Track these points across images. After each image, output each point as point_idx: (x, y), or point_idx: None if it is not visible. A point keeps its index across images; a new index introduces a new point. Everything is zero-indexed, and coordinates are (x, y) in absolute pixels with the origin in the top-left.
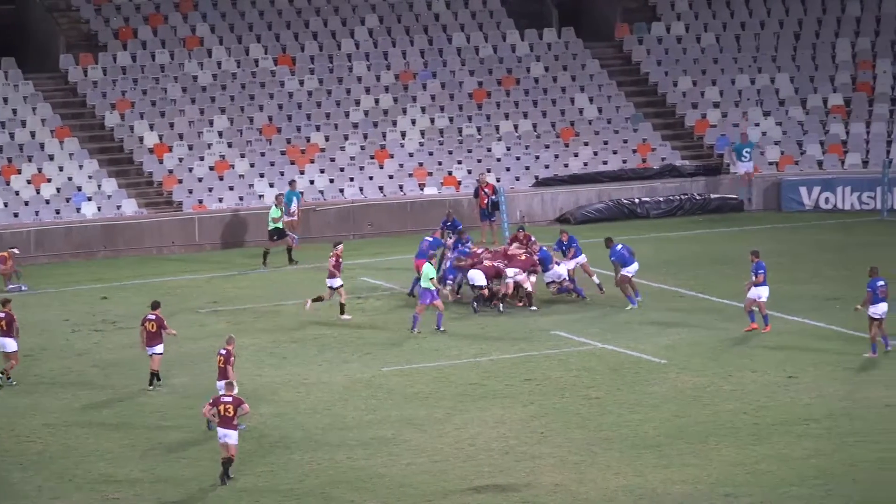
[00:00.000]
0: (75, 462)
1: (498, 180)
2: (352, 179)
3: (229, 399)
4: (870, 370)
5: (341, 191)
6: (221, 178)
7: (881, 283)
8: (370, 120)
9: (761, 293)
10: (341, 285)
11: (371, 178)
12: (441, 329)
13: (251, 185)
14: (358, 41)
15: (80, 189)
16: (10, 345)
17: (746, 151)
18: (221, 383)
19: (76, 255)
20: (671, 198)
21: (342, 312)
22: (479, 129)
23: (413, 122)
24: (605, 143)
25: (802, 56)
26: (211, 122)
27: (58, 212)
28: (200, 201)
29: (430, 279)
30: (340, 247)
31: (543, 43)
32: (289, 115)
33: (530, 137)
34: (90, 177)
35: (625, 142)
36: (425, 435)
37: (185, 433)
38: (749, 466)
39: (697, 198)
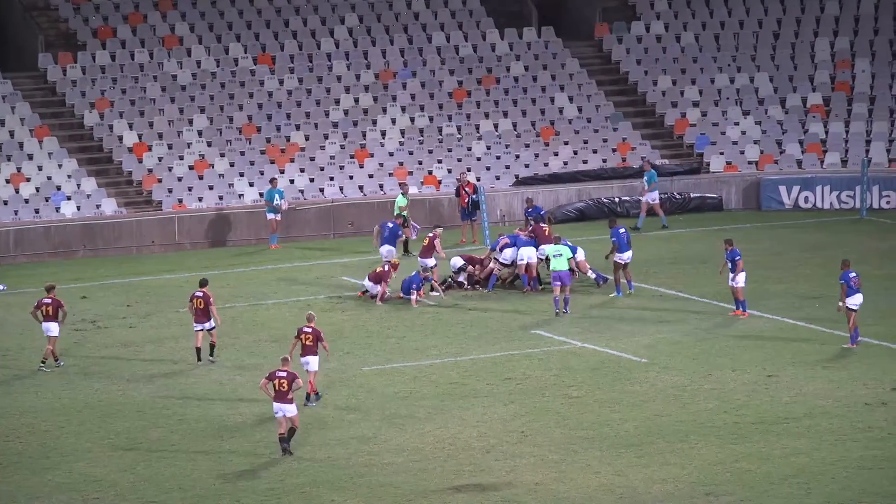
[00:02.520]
0: (55, 462)
1: (478, 179)
2: (332, 179)
3: (283, 374)
4: (850, 369)
5: (321, 190)
6: (201, 178)
7: (853, 274)
8: (350, 119)
9: (738, 279)
10: (436, 265)
11: (351, 177)
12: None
13: (231, 185)
14: (338, 40)
15: (59, 188)
16: (54, 329)
17: (653, 183)
18: (306, 359)
19: (55, 255)
20: None
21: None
22: (459, 129)
23: (393, 121)
24: (585, 142)
25: (782, 55)
26: (190, 122)
27: (37, 211)
28: (180, 200)
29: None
30: (439, 230)
31: (523, 42)
32: (269, 114)
33: (510, 136)
34: (69, 176)
35: (605, 141)
36: (406, 434)
37: (165, 432)
38: (729, 465)
39: (677, 197)
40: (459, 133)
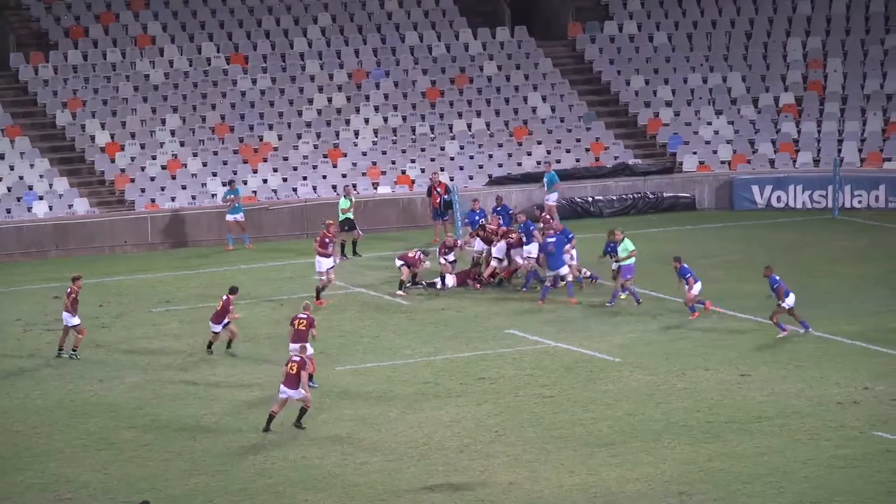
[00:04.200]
0: (27, 462)
1: (451, 179)
2: (305, 178)
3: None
4: (822, 368)
5: (294, 190)
6: (174, 177)
7: (778, 277)
8: (323, 119)
9: (694, 289)
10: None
11: (324, 176)
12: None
13: (204, 185)
14: (311, 40)
15: (31, 188)
16: (72, 319)
17: (555, 184)
18: (296, 346)
19: (27, 255)
20: (624, 196)
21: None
22: (432, 128)
23: (366, 120)
24: (559, 141)
25: (754, 55)
26: (163, 121)
27: (9, 211)
28: (153, 200)
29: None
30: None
31: (496, 42)
32: (241, 113)
33: (483, 136)
34: (41, 176)
35: (578, 140)
36: (379, 434)
37: (137, 433)
38: (702, 464)
39: (650, 196)
40: (433, 132)
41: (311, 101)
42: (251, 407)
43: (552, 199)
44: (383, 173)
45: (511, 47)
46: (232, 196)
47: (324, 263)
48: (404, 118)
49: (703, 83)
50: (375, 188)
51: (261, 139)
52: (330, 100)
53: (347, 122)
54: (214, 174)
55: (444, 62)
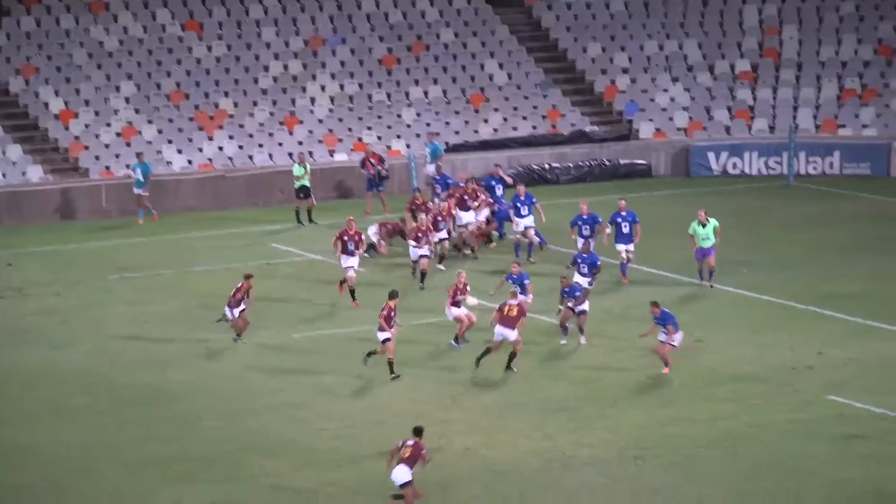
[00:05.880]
0: None
1: (408, 146)
2: (261, 146)
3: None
4: (777, 333)
5: (251, 157)
6: (129, 145)
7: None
8: (279, 86)
9: (677, 340)
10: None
11: (281, 144)
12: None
13: (159, 152)
14: (266, 7)
15: None
16: (232, 312)
17: (439, 154)
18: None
19: None
20: (581, 163)
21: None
22: (389, 96)
23: (323, 88)
24: (515, 109)
25: (710, 22)
26: (118, 88)
27: None
28: (107, 168)
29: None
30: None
31: (453, 9)
32: (197, 81)
33: (440, 103)
34: None
35: (535, 108)
36: (337, 401)
37: (91, 400)
38: (657, 429)
39: (607, 163)
40: (389, 100)
41: (266, 69)
42: (206, 374)
43: (431, 169)
44: (340, 141)
45: (468, 14)
46: (138, 170)
47: (349, 261)
48: (361, 85)
49: (660, 50)
50: (332, 156)
51: (216, 106)
52: (286, 67)
53: (303, 89)
54: (170, 141)
55: (400, 29)
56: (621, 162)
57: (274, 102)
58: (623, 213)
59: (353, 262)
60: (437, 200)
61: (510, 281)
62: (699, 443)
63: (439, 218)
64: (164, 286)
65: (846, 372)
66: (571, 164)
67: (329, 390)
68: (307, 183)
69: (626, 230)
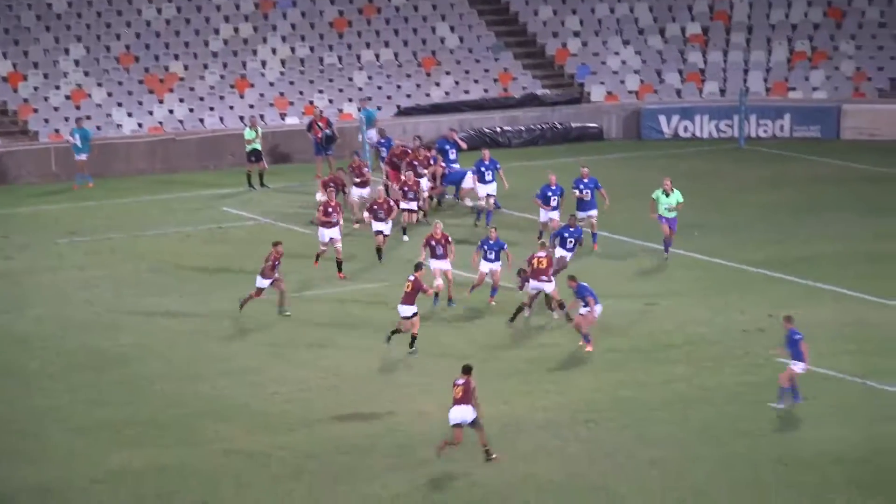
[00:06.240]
0: None
1: (359, 110)
2: (212, 109)
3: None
4: (728, 296)
5: (201, 120)
6: (78, 108)
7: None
8: (230, 49)
9: (597, 312)
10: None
11: (231, 107)
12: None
13: (109, 115)
14: None
15: None
16: (263, 282)
17: (373, 120)
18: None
19: None
20: (532, 127)
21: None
22: (340, 59)
23: (273, 51)
24: (467, 72)
25: None
26: (67, 51)
27: None
28: (57, 131)
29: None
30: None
31: None
32: (146, 43)
33: (392, 66)
34: None
35: (486, 71)
36: (290, 365)
37: (42, 364)
38: (609, 392)
39: (558, 127)
40: (340, 63)
41: (217, 31)
42: (158, 338)
43: (371, 136)
44: (291, 104)
45: None
46: (76, 135)
47: (326, 234)
48: (312, 48)
49: (611, 13)
50: (283, 119)
51: (166, 69)
52: (236, 29)
53: (254, 52)
54: (120, 104)
55: None
56: (573, 125)
57: (224, 65)
58: (585, 181)
59: (331, 233)
60: (382, 165)
61: (485, 248)
62: (651, 406)
63: (405, 189)
64: (115, 250)
65: None
66: (523, 128)
67: (281, 354)
68: (259, 146)
69: (588, 197)
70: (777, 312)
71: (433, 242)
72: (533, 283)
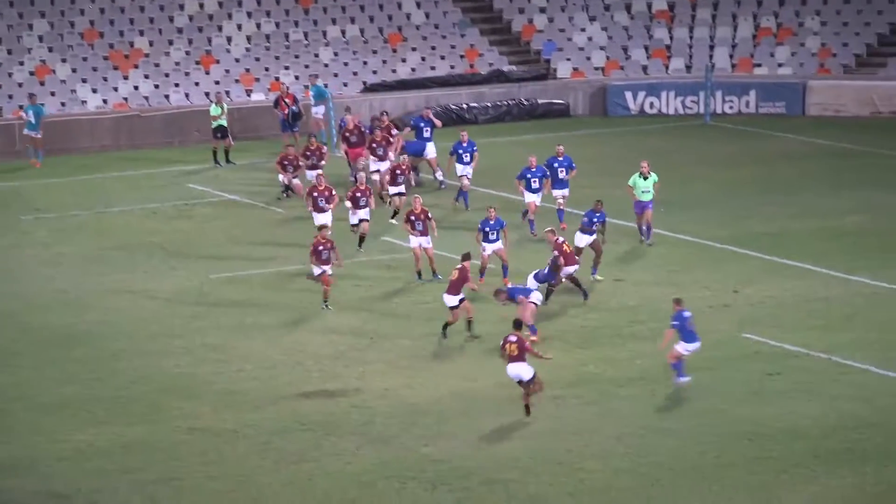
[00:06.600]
0: None
1: (326, 86)
2: (177, 85)
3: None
4: (694, 273)
5: (167, 97)
6: (42, 84)
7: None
8: (195, 25)
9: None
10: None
11: (197, 83)
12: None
13: (73, 91)
14: None
15: None
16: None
17: (324, 98)
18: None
19: None
20: (499, 103)
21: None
22: (306, 35)
23: (239, 27)
24: (433, 48)
25: None
26: (31, 26)
27: None
28: (21, 107)
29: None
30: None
31: None
32: (111, 19)
33: (358, 43)
34: None
35: (452, 47)
36: (254, 342)
37: (7, 341)
38: (576, 369)
39: (525, 103)
40: (306, 39)
41: (182, 7)
42: (123, 315)
43: (319, 112)
44: (257, 80)
45: None
46: (30, 112)
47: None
48: (277, 24)
49: None
50: (249, 95)
51: (131, 45)
52: (202, 5)
53: (220, 28)
54: (84, 80)
55: None
56: (539, 101)
57: (189, 41)
58: (560, 159)
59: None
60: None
61: (486, 229)
62: (617, 382)
63: (398, 172)
64: (80, 227)
65: (762, 310)
66: (489, 104)
67: (246, 331)
68: (224, 123)
69: (562, 175)
70: (743, 289)
71: (413, 217)
72: (566, 269)
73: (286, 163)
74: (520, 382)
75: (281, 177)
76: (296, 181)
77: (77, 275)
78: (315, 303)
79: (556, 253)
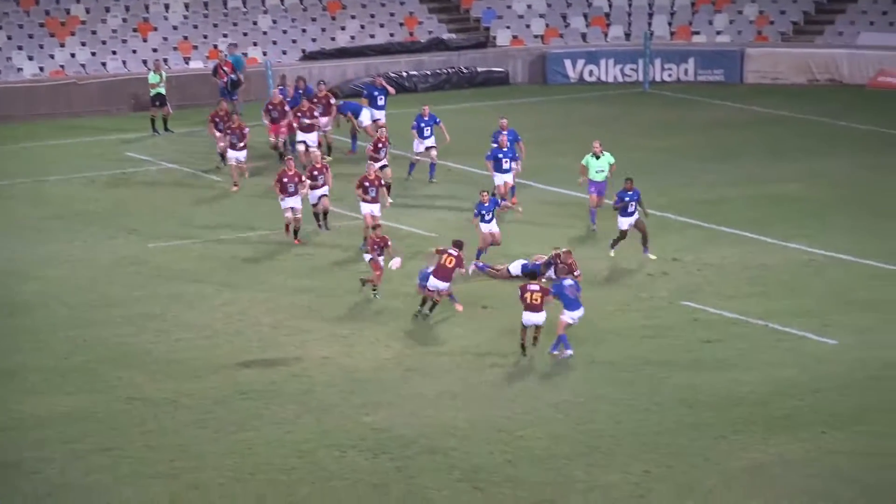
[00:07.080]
0: None
1: (264, 54)
2: (114, 53)
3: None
4: (634, 240)
5: (104, 64)
6: None
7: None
8: None
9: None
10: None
11: (135, 51)
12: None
13: (9, 59)
14: None
15: None
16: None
17: (239, 67)
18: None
19: None
20: (438, 71)
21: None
22: (244, 2)
23: None
24: (372, 16)
25: None
26: None
27: None
28: None
29: None
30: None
31: None
32: None
33: (297, 10)
34: None
35: (392, 15)
36: (194, 311)
37: None
38: (514, 336)
39: (464, 71)
40: (245, 6)
41: None
42: (61, 285)
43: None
44: (195, 48)
45: None
46: None
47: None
48: None
49: None
50: (187, 63)
51: (68, 12)
52: None
53: None
54: (20, 48)
55: None
56: (478, 69)
57: (127, 8)
58: (504, 132)
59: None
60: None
61: (482, 212)
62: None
63: (379, 145)
64: (17, 196)
65: (700, 278)
66: (429, 72)
67: (186, 301)
68: (163, 91)
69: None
70: (681, 256)
71: (366, 184)
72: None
73: (217, 119)
74: (533, 326)
75: (220, 144)
76: (232, 161)
77: (15, 244)
78: (254, 271)
79: (554, 254)
